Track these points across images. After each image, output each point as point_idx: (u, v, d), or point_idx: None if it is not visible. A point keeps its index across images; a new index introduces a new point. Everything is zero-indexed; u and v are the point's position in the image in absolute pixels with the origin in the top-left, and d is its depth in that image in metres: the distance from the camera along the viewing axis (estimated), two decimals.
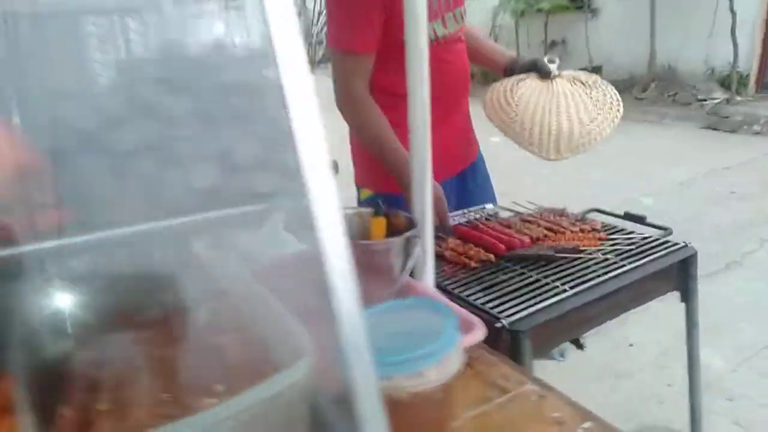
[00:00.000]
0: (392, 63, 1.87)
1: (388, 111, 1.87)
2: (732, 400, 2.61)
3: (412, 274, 1.30)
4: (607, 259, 1.62)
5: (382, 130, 1.77)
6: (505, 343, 1.31)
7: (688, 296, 1.67)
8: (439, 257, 1.67)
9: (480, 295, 1.45)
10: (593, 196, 5.01)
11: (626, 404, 2.61)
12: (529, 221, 1.88)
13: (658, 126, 7.84)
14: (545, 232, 1.78)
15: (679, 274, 1.65)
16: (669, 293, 1.67)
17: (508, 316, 1.34)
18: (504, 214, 2.02)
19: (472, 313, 1.31)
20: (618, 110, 1.90)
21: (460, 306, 1.35)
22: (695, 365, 1.73)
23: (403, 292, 1.24)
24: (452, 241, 1.74)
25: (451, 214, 1.94)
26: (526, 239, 1.69)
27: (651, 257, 1.61)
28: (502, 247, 1.66)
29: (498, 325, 1.31)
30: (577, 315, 1.42)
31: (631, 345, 3.04)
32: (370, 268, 1.17)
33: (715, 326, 3.12)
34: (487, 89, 1.99)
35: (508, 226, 1.84)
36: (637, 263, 1.58)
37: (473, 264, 1.60)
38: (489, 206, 2.08)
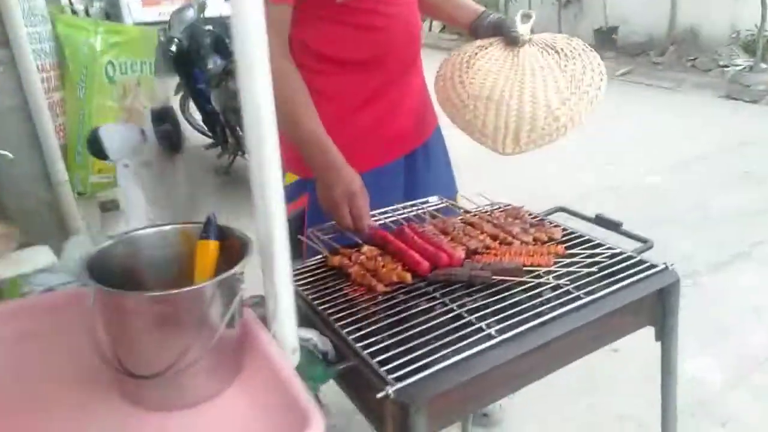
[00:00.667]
0: (326, 23, 1.46)
1: (316, 78, 1.46)
2: (725, 426, 2.23)
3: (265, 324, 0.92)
4: (558, 286, 1.22)
5: (294, 103, 1.36)
6: (393, 418, 0.94)
7: (664, 334, 1.27)
8: (345, 275, 1.28)
9: (372, 338, 1.06)
10: (593, 173, 4.57)
11: (602, 427, 2.25)
12: (472, 224, 1.48)
13: (674, 93, 7.26)
14: (488, 241, 1.38)
15: (655, 307, 1.25)
16: (640, 329, 1.27)
17: (400, 377, 0.96)
18: (451, 211, 1.61)
19: (355, 367, 0.95)
20: (599, 89, 1.47)
21: (344, 349, 0.99)
22: (670, 417, 1.34)
23: (233, 346, 0.87)
24: (368, 251, 1.35)
25: (380, 211, 1.54)
26: (459, 253, 1.29)
27: (618, 285, 1.20)
28: (426, 264, 1.26)
29: (380, 394, 0.92)
30: (504, 372, 1.04)
31: (615, 351, 2.66)
32: (174, 322, 0.79)
33: (717, 329, 2.73)
34: None
35: (445, 231, 1.44)
36: (598, 294, 1.18)
37: (381, 288, 1.21)
38: (434, 199, 1.68)
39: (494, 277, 1.22)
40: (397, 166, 1.66)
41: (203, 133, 5.18)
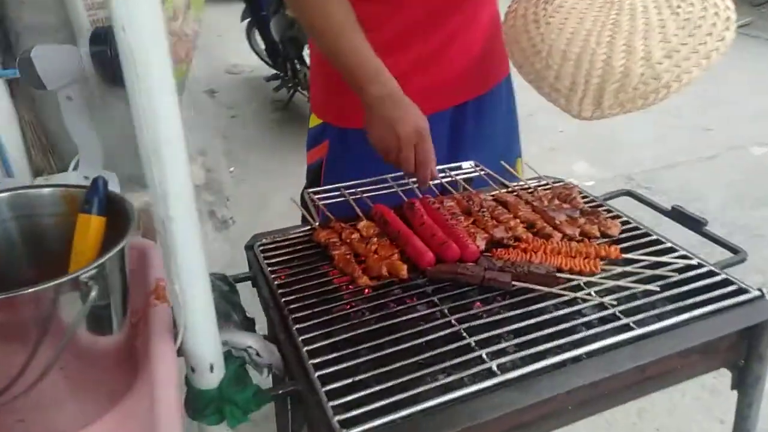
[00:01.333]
0: None
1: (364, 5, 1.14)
2: None
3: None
4: (602, 307, 0.90)
5: (342, 25, 1.09)
6: None
7: (746, 384, 0.94)
8: (329, 258, 1.02)
9: (332, 354, 0.80)
10: (686, 138, 3.98)
11: None
12: (506, 204, 1.16)
13: None
14: (519, 230, 1.06)
15: (738, 347, 0.91)
16: (710, 372, 0.94)
17: (348, 421, 0.70)
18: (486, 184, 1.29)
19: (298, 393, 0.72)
20: (721, 40, 1.07)
21: (294, 364, 0.77)
22: None
23: (112, 359, 0.63)
24: (365, 228, 1.07)
25: (393, 176, 1.25)
26: (473, 245, 0.99)
27: (687, 314, 0.87)
28: (429, 256, 0.97)
29: None
30: (501, 424, 0.75)
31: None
32: (8, 331, 0.56)
33: None
34: None
35: (468, 211, 1.13)
36: (656, 325, 0.85)
37: (363, 281, 0.94)
38: (468, 164, 1.36)
39: (515, 284, 0.92)
40: (439, 118, 1.35)
41: (267, 64, 4.95)
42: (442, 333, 0.84)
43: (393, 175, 1.24)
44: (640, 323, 0.86)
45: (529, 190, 1.22)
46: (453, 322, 0.86)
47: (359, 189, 1.21)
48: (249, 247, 1.06)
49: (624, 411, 1.93)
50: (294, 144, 4.32)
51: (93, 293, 0.54)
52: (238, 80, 5.68)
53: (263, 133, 4.60)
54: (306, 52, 3.87)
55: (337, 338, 0.84)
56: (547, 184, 1.26)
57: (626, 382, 0.83)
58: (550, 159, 3.58)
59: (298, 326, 0.85)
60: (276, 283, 0.95)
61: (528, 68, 1.17)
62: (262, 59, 4.97)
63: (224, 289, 0.93)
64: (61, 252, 0.66)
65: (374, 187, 1.23)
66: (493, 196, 1.19)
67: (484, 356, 0.79)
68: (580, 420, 0.84)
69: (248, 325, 0.94)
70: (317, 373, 0.76)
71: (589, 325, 0.87)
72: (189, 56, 3.05)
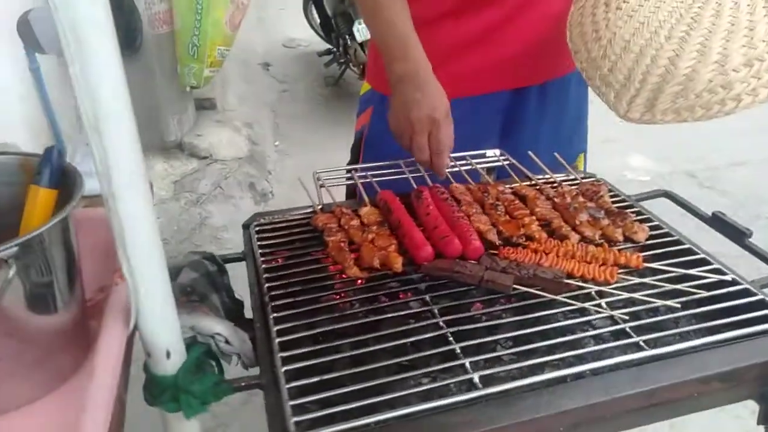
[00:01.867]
0: None
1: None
2: None
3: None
4: (613, 321, 0.81)
5: None
6: None
7: None
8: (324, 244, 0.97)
9: (305, 347, 0.75)
10: (758, 140, 3.67)
11: None
12: (524, 198, 1.07)
13: None
14: (533, 228, 0.97)
15: (766, 377, 0.80)
16: (734, 403, 0.83)
17: (306, 423, 0.65)
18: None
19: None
20: None
21: (264, 355, 0.72)
22: None
23: (51, 337, 0.61)
24: (367, 215, 1.01)
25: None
26: (476, 242, 0.91)
27: (710, 338, 0.77)
28: (428, 250, 0.90)
29: None
30: None
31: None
32: None
33: None
34: None
35: (481, 203, 1.05)
36: (671, 347, 0.75)
37: (352, 272, 0.88)
38: (494, 153, 1.27)
39: (517, 287, 0.84)
40: (494, 101, 1.27)
41: (322, 38, 4.90)
42: (426, 334, 0.78)
43: (476, 152, 1.20)
44: (652, 343, 0.76)
45: (554, 185, 1.12)
46: (441, 323, 0.79)
47: (388, 170, 1.16)
48: (246, 226, 1.02)
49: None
50: (341, 120, 4.29)
51: (11, 271, 0.51)
52: (293, 54, 5.68)
53: (312, 108, 4.58)
54: (356, 28, 3.79)
55: (315, 330, 0.79)
56: (575, 179, 1.15)
57: (628, 407, 0.74)
58: (603, 150, 3.37)
59: (275, 315, 0.80)
60: (263, 266, 0.91)
61: (583, 54, 1.06)
62: (317, 33, 4.93)
63: (210, 270, 0.89)
64: (16, 224, 0.63)
65: (409, 168, 1.16)
66: (512, 188, 1.10)
67: (467, 365, 0.72)
68: None
69: (234, 307, 0.90)
70: (285, 368, 0.71)
71: (596, 340, 0.79)
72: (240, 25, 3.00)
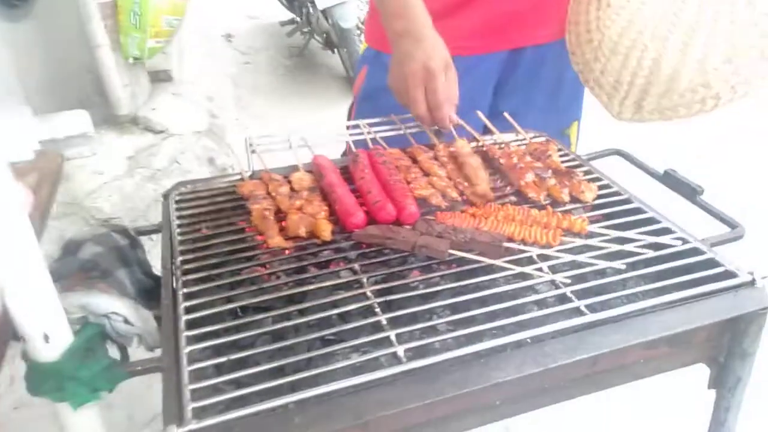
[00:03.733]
0: None
1: None
2: None
3: None
4: (554, 286, 0.75)
5: None
6: None
7: (724, 383, 0.78)
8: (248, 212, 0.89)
9: (214, 325, 0.68)
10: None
11: None
12: (459, 157, 1.00)
13: None
14: (482, 186, 0.91)
15: (719, 340, 0.75)
16: (682, 367, 0.78)
17: (203, 408, 0.58)
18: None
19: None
20: None
21: (168, 334, 0.65)
22: None
23: None
24: (298, 181, 0.93)
25: (376, 120, 1.11)
26: (411, 206, 0.84)
27: (653, 299, 0.71)
28: (360, 217, 0.83)
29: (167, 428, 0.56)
30: (400, 421, 0.62)
31: None
32: None
33: None
34: None
35: (422, 165, 0.98)
36: (613, 311, 0.70)
37: (274, 242, 0.81)
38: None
39: (452, 252, 0.78)
40: (490, 61, 1.19)
41: (284, 6, 4.73)
42: (352, 305, 0.71)
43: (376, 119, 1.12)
44: (596, 307, 0.70)
45: (500, 145, 1.05)
46: (368, 293, 0.72)
47: (376, 128, 1.09)
48: (165, 196, 0.94)
49: None
50: (305, 92, 4.17)
51: None
52: (256, 25, 5.49)
53: (275, 80, 4.44)
54: None
55: (231, 305, 0.72)
56: (524, 139, 1.09)
57: (568, 377, 0.68)
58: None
59: (186, 290, 0.73)
60: (179, 238, 0.83)
61: (579, 57, 1.07)
62: (280, 2, 4.75)
63: (119, 243, 0.81)
64: None
65: (406, 125, 1.10)
66: (452, 150, 1.03)
67: (392, 338, 0.66)
68: (516, 416, 0.70)
69: (151, 284, 0.82)
70: (190, 347, 0.64)
71: (532, 306, 0.73)
72: None
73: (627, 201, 0.91)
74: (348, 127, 1.13)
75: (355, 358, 0.65)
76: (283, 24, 4.77)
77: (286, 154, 1.05)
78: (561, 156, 1.02)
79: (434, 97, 0.97)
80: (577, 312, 0.70)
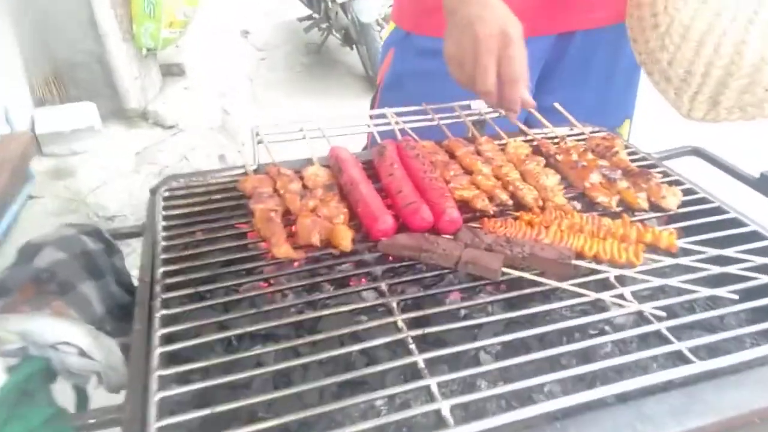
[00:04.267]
0: None
1: None
2: None
3: None
4: (642, 319, 0.57)
5: None
6: None
7: None
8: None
9: (198, 370, 0.52)
10: None
11: None
12: (512, 156, 0.83)
13: None
14: (531, 195, 0.73)
15: None
16: None
17: None
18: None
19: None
20: None
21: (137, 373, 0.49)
22: None
23: None
24: (311, 177, 0.77)
25: (398, 110, 0.96)
26: (453, 211, 0.67)
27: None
28: (388, 222, 0.66)
29: None
30: None
31: None
32: None
33: None
34: None
35: (461, 161, 0.81)
36: (727, 356, 0.52)
37: (279, 252, 0.64)
38: (477, 104, 1.02)
39: (507, 271, 0.61)
40: (535, 45, 1.02)
41: (303, 2, 4.58)
42: (383, 339, 0.54)
43: (462, 103, 0.96)
44: (700, 352, 0.53)
45: (554, 140, 0.88)
46: (400, 324, 0.55)
47: (404, 118, 0.93)
48: (153, 191, 0.78)
49: None
50: (323, 90, 4.01)
51: None
52: (274, 22, 5.35)
53: (292, 77, 4.30)
54: None
55: (223, 334, 0.55)
56: (582, 134, 0.91)
57: None
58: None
59: (165, 311, 0.56)
60: (163, 243, 0.66)
61: (641, 44, 0.91)
62: None
63: (89, 248, 0.65)
64: None
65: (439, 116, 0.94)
66: (502, 145, 0.86)
67: (433, 389, 0.49)
68: None
69: (129, 300, 0.66)
70: (162, 393, 0.48)
71: (619, 347, 0.55)
72: None
73: (719, 210, 0.73)
74: (371, 117, 0.97)
75: (385, 415, 0.48)
76: (300, 20, 4.62)
77: (299, 146, 0.89)
78: (630, 154, 0.84)
79: (510, 68, 0.79)
80: (679, 358, 0.52)
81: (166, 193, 0.76)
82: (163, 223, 0.70)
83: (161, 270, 0.62)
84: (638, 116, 1.20)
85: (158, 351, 0.52)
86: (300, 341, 0.55)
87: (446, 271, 0.62)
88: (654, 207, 0.73)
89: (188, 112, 3.19)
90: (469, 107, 1.00)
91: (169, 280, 0.61)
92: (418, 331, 0.54)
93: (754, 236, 0.68)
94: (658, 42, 0.87)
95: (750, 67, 0.77)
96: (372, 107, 1.18)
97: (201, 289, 0.60)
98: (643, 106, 1.22)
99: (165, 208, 0.73)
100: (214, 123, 3.28)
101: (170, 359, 0.52)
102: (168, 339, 0.54)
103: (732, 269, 0.62)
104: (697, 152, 0.89)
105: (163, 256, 0.64)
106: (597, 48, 1.06)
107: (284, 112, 3.69)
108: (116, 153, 2.80)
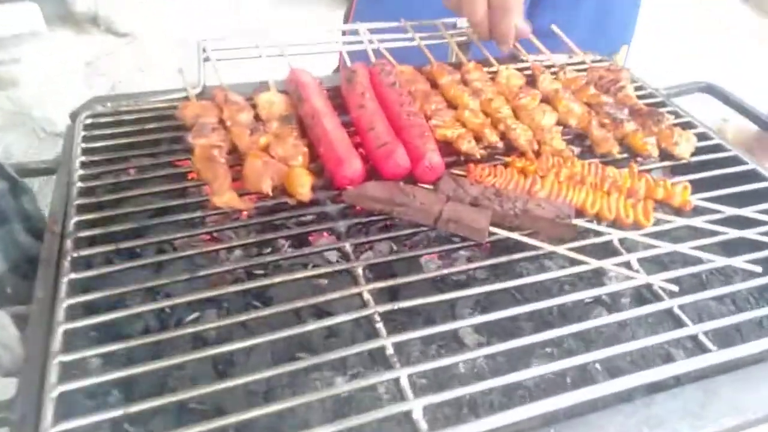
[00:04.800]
0: None
1: None
2: None
3: None
4: (650, 291, 0.49)
5: None
6: None
7: None
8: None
9: (106, 354, 0.42)
10: None
11: None
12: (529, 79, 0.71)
13: None
14: (519, 133, 0.63)
15: None
16: None
17: None
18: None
19: None
20: None
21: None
22: None
23: None
24: (268, 105, 0.64)
25: (379, 26, 0.82)
26: (436, 156, 0.56)
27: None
28: (356, 167, 0.55)
29: None
30: None
31: None
32: None
33: None
34: None
35: (444, 90, 0.69)
36: (749, 343, 0.45)
37: (218, 202, 0.53)
38: (463, 22, 0.88)
39: (495, 231, 0.51)
40: None
41: None
42: (346, 317, 0.44)
43: (447, 20, 0.83)
44: (718, 337, 0.45)
45: (553, 68, 0.76)
46: (366, 296, 0.46)
47: (380, 36, 0.79)
48: (73, 117, 0.64)
49: None
50: (297, 3, 3.71)
51: None
52: None
53: None
54: None
55: (150, 306, 0.45)
56: (583, 62, 0.80)
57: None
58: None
59: (76, 274, 0.46)
60: (79, 184, 0.54)
61: None
62: None
63: None
64: None
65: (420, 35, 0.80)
66: (492, 73, 0.74)
67: (403, 382, 0.40)
68: None
69: (34, 248, 0.55)
70: (65, 387, 0.38)
71: (624, 330, 0.47)
72: None
73: (736, 160, 0.64)
74: (344, 33, 0.84)
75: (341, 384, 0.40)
76: None
77: (255, 65, 0.76)
78: (636, 89, 0.73)
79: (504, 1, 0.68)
80: (694, 344, 0.44)
81: (88, 120, 0.63)
82: (82, 158, 0.57)
83: (74, 220, 0.50)
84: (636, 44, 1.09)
85: (63, 328, 0.41)
86: (245, 317, 0.45)
87: (423, 228, 0.52)
88: (664, 154, 0.63)
89: (145, 18, 2.90)
90: (454, 26, 0.87)
91: (83, 233, 0.49)
92: (387, 306, 0.45)
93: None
94: None
95: None
96: (346, 19, 1.04)
97: (125, 245, 0.49)
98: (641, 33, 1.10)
99: (85, 139, 0.60)
100: (174, 32, 3.00)
101: (79, 338, 0.42)
102: (78, 311, 0.43)
103: (751, 233, 0.53)
104: (710, 89, 0.78)
105: (78, 202, 0.52)
106: None
107: (268, 19, 3.41)
108: (64, 62, 2.55)
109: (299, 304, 0.45)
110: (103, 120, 0.63)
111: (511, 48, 0.77)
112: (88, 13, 2.75)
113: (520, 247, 0.51)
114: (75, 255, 0.47)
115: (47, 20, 2.57)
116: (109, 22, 2.79)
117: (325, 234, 0.55)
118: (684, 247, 0.51)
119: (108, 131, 0.62)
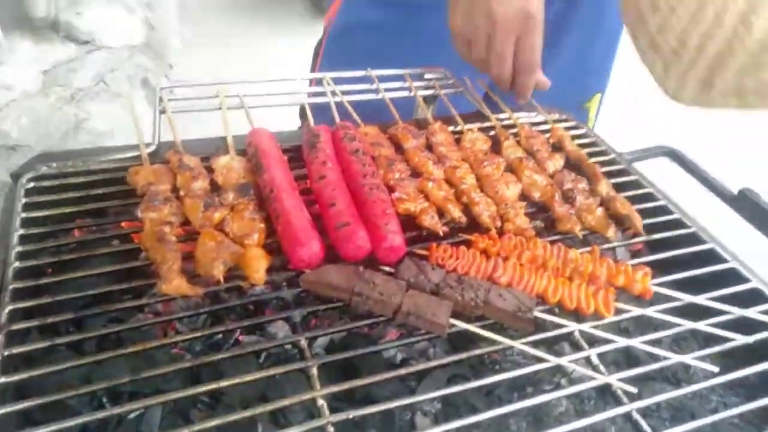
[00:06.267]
0: None
1: None
2: None
3: None
4: (611, 393, 0.48)
5: None
6: None
7: None
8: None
9: None
10: None
11: None
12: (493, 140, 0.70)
13: None
14: (483, 208, 0.62)
15: None
16: None
17: None
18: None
19: None
20: None
21: None
22: None
23: None
24: (224, 171, 0.61)
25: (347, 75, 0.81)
26: (399, 238, 0.55)
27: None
28: (313, 249, 0.52)
29: None
30: None
31: None
32: None
33: None
34: None
35: (408, 156, 0.67)
36: None
37: (166, 288, 0.50)
38: (434, 75, 0.87)
39: (455, 323, 0.50)
40: None
41: None
42: (299, 428, 0.42)
43: (413, 71, 0.83)
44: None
45: (514, 128, 0.76)
46: (320, 402, 0.44)
47: (345, 87, 0.78)
48: (15, 177, 0.60)
49: None
50: (266, 6, 3.66)
51: None
52: None
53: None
54: None
55: (79, 390, 0.42)
56: (546, 122, 0.79)
57: None
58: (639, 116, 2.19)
59: (7, 351, 0.42)
60: (17, 264, 0.51)
61: (630, 3, 0.71)
62: None
63: None
64: None
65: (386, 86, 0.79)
66: (456, 133, 0.73)
67: None
68: None
69: None
70: None
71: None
72: None
73: (695, 238, 0.64)
74: (311, 83, 0.82)
75: None
76: None
77: (214, 115, 0.73)
78: (599, 154, 0.73)
79: (529, 57, 0.70)
80: None
81: (30, 185, 0.59)
82: (21, 232, 0.54)
83: (8, 309, 0.47)
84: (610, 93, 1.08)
85: None
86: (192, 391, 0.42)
87: (382, 318, 0.51)
88: (622, 227, 0.63)
89: (107, 25, 2.81)
90: (421, 76, 0.86)
91: (17, 304, 0.46)
92: (341, 416, 0.43)
93: (733, 276, 0.60)
94: (648, 1, 0.73)
95: (757, 43, 0.64)
96: (315, 57, 1.01)
97: (62, 340, 0.46)
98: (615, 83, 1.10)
99: (26, 207, 0.56)
100: (137, 40, 2.92)
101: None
102: (12, 419, 0.40)
103: (706, 327, 0.53)
104: (672, 154, 0.79)
105: (14, 286, 0.49)
106: (581, 3, 0.92)
107: (219, 31, 3.36)
108: (20, 70, 2.45)
109: (249, 412, 0.43)
110: (46, 184, 0.60)
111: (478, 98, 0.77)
112: (46, 18, 2.65)
113: (481, 342, 0.50)
114: (6, 353, 0.44)
115: (3, 26, 2.46)
116: (69, 29, 2.69)
117: (279, 321, 0.53)
118: (639, 342, 0.51)
119: (51, 197, 0.58)
